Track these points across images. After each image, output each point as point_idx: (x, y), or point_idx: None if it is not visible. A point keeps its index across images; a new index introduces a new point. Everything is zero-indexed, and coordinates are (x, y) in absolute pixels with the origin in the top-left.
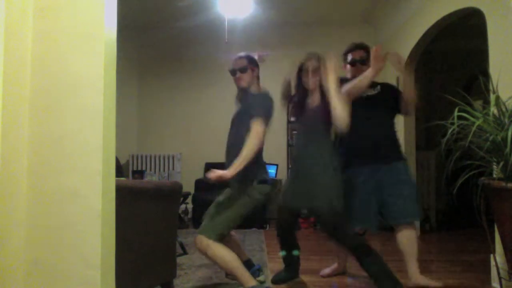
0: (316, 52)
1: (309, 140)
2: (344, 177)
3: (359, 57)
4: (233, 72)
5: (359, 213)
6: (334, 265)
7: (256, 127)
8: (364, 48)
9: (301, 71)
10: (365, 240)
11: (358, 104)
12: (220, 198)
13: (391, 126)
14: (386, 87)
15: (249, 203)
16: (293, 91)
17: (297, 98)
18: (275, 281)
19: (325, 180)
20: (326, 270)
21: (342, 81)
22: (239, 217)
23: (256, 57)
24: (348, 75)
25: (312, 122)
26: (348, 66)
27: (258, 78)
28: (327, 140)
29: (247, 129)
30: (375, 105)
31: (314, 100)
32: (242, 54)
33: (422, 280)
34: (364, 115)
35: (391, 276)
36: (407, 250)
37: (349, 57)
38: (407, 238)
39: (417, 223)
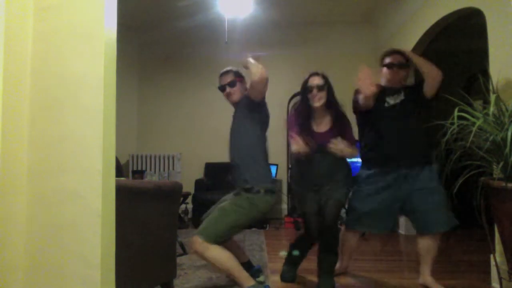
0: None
1: (324, 157)
2: (367, 181)
3: (397, 61)
4: (222, 88)
5: (374, 217)
6: (336, 265)
7: None
8: (402, 53)
9: (306, 88)
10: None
11: (380, 113)
12: (225, 203)
13: (417, 131)
14: (408, 90)
15: (254, 213)
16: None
17: (301, 117)
18: (285, 279)
19: (342, 180)
20: None
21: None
22: (241, 225)
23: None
24: (383, 79)
25: (325, 140)
26: (385, 69)
27: (246, 88)
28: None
29: (246, 135)
30: (398, 112)
31: (321, 118)
32: (226, 68)
33: (430, 282)
34: (387, 123)
35: (333, 281)
36: (425, 256)
37: (387, 60)
38: (429, 246)
39: None
